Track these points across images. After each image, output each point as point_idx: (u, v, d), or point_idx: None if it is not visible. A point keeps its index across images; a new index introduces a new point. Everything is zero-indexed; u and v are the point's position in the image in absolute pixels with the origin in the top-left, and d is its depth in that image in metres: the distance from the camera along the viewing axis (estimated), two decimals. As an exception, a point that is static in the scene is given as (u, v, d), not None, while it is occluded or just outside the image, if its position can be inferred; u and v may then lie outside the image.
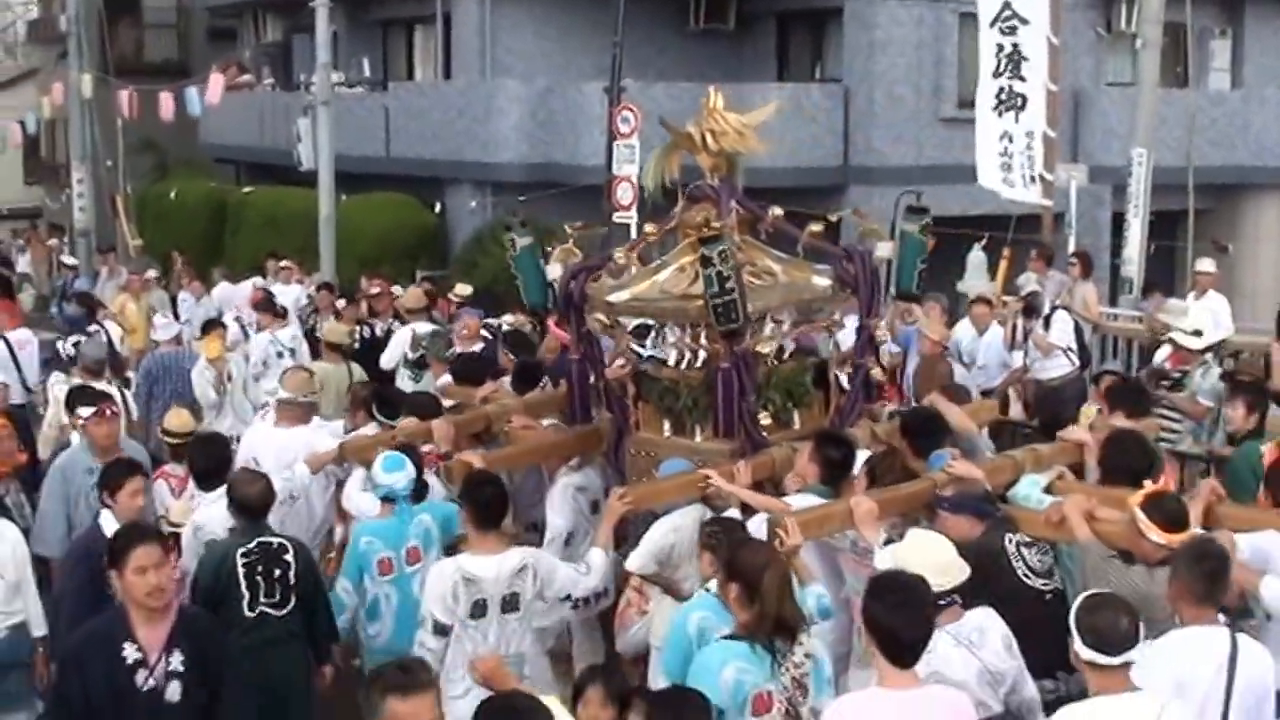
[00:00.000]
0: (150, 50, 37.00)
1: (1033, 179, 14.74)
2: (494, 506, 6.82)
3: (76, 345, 12.83)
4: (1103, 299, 16.01)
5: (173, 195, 28.51)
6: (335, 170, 21.61)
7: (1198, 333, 10.81)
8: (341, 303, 15.72)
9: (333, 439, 9.07)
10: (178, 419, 9.50)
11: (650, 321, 8.65)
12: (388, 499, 7.73)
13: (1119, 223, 17.86)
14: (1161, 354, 11.77)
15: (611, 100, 18.62)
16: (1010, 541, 6.53)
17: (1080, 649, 4.99)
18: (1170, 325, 12.41)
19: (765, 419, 8.04)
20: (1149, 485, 6.56)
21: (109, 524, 7.17)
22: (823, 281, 8.32)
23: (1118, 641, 4.93)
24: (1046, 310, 13.03)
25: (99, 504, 7.97)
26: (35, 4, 41.40)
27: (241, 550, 6.98)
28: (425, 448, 8.32)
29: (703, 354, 8.08)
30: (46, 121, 32.18)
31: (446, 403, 9.51)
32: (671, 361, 8.27)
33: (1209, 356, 10.80)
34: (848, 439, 7.56)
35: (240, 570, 6.94)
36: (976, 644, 5.63)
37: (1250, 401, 8.98)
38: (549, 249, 8.73)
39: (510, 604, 6.73)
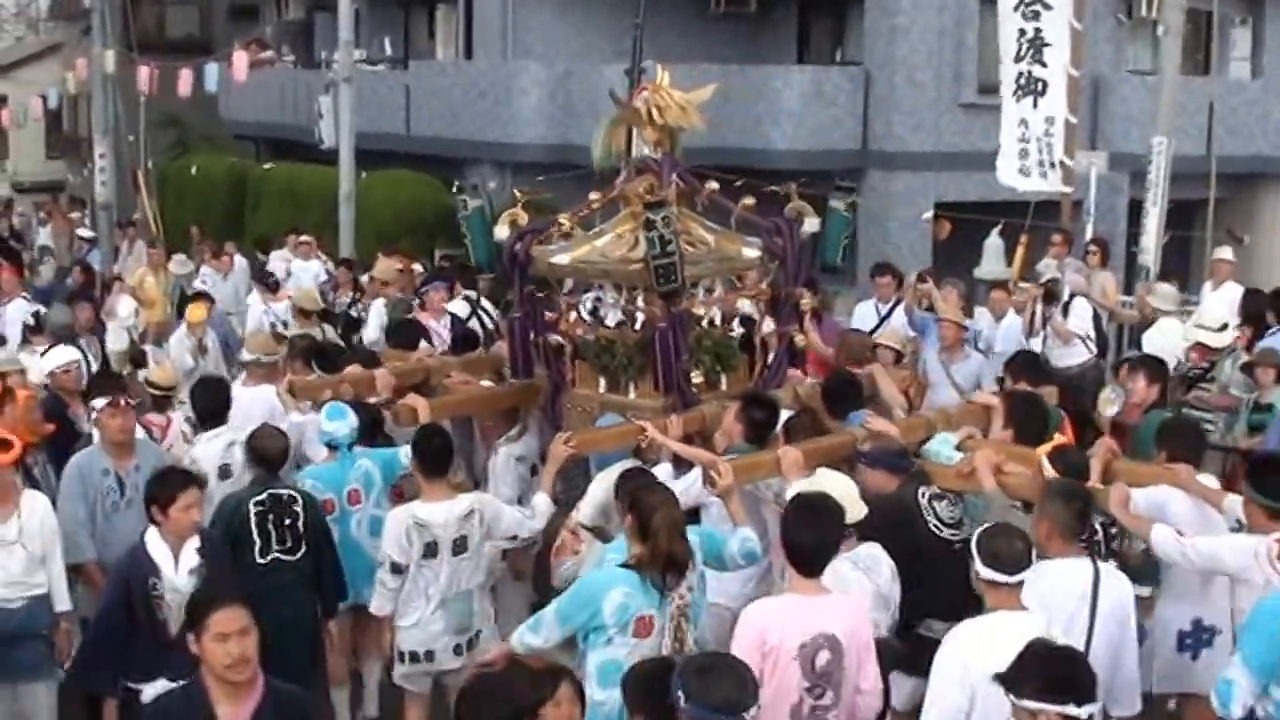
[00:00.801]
0: (172, 27, 37.08)
1: (1052, 165, 14.71)
2: (439, 456, 7.38)
3: (36, 314, 13.44)
4: (1119, 287, 16.02)
5: (193, 171, 28.62)
6: (355, 148, 21.70)
7: (1224, 326, 10.81)
8: (366, 278, 15.87)
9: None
10: (162, 373, 10.23)
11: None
12: (331, 445, 8.25)
13: (1135, 210, 17.87)
14: (1153, 338, 11.85)
15: (632, 82, 18.63)
16: (923, 495, 7.10)
17: (980, 569, 5.53)
18: (1159, 308, 12.52)
19: (696, 378, 8.51)
20: (1057, 438, 7.26)
21: (155, 543, 6.80)
22: (753, 252, 8.84)
23: (1013, 562, 5.48)
24: (1065, 297, 13.04)
25: (117, 505, 7.97)
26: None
27: (254, 500, 7.45)
28: (370, 399, 8.90)
29: (639, 315, 8.53)
30: (69, 96, 32.30)
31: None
32: (611, 323, 8.69)
33: (1238, 346, 10.80)
34: (772, 401, 8.09)
35: (253, 519, 7.40)
36: (871, 569, 6.26)
37: (1150, 375, 9.31)
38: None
39: (460, 546, 7.27)
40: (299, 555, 7.45)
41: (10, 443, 7.36)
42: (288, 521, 7.45)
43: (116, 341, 15.69)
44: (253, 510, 7.40)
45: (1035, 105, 14.64)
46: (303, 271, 17.59)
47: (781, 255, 8.71)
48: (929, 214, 19.71)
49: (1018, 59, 14.73)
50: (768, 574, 7.32)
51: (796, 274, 8.84)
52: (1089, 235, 16.10)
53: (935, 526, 6.96)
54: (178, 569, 6.71)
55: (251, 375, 10.13)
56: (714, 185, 8.92)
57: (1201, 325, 10.92)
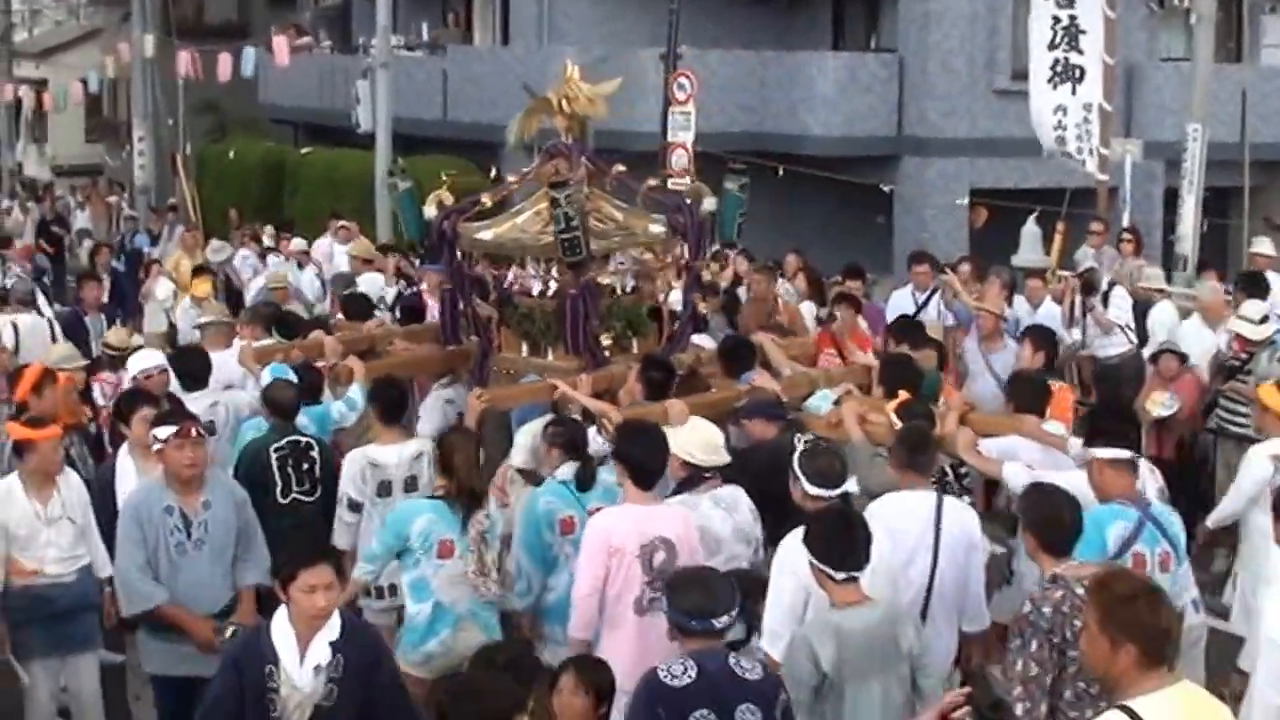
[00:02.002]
0: (210, 12, 37.26)
1: (1090, 152, 14.75)
2: (396, 404, 8.25)
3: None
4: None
5: (231, 155, 28.78)
6: (393, 133, 21.85)
7: (1264, 319, 10.83)
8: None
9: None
10: (117, 336, 11.46)
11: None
12: None
13: (1171, 199, 17.87)
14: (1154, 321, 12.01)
15: (668, 67, 18.79)
16: (799, 441, 7.61)
17: (806, 486, 6.32)
18: (1156, 292, 12.66)
19: (608, 342, 9.29)
20: (902, 395, 8.08)
21: (280, 626, 5.72)
22: (657, 228, 9.66)
23: (833, 478, 6.31)
24: (1104, 286, 13.02)
25: (184, 547, 7.01)
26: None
27: (275, 446, 8.13)
28: (318, 363, 9.60)
29: (554, 285, 9.17)
30: (108, 81, 32.54)
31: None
32: (533, 292, 9.32)
33: (1277, 338, 10.82)
34: (668, 363, 8.93)
35: (274, 463, 8.07)
36: (731, 508, 6.91)
37: (1036, 342, 9.83)
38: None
39: (411, 485, 7.97)
40: (315, 496, 8.10)
41: (46, 422, 7.64)
42: (305, 466, 8.13)
43: (154, 324, 15.94)
44: (274, 455, 8.07)
45: (1073, 92, 14.67)
46: (341, 254, 17.77)
47: (683, 230, 9.52)
48: (963, 199, 19.78)
49: (1052, 46, 14.76)
50: None
51: (697, 248, 9.68)
52: (1125, 223, 16.13)
53: None
54: (303, 662, 5.67)
55: (208, 339, 10.83)
56: (621, 168, 9.82)
57: (1242, 316, 10.92)
